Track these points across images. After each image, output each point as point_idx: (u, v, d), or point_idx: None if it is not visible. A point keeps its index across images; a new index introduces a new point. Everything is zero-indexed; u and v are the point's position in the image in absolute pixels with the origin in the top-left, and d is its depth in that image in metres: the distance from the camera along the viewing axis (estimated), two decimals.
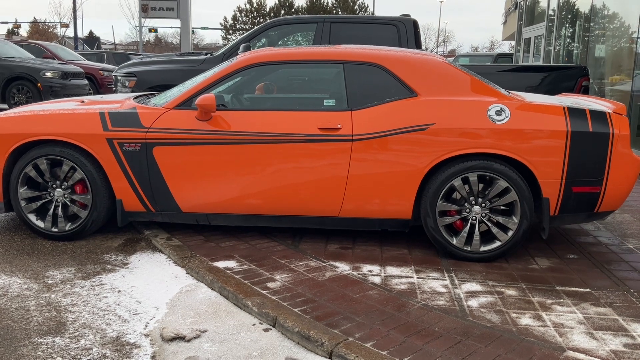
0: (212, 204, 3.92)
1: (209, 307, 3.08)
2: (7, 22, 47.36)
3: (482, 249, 3.70)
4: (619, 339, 2.73)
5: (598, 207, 3.74)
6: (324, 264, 3.61)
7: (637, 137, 7.98)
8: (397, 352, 2.54)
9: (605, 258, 3.88)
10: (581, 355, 2.56)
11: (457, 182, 3.66)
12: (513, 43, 22.02)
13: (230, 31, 55.45)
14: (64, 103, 4.44)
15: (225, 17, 64.52)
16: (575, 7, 12.21)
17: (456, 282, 3.39)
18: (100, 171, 3.93)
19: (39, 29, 51.80)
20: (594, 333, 2.78)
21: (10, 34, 43.91)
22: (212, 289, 3.30)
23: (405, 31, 6.98)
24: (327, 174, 3.75)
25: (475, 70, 4.80)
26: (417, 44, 7.07)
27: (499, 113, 3.65)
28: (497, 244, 3.70)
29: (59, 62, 13.26)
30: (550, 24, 13.45)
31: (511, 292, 3.26)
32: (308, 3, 54.07)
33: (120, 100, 4.33)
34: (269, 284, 3.26)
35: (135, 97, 4.52)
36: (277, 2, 54.21)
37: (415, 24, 7.10)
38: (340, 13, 52.56)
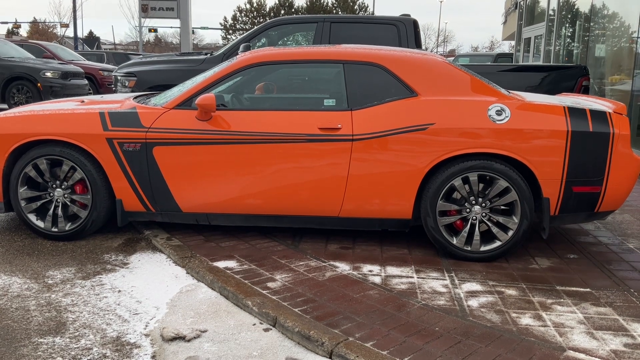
0: (212, 204, 3.92)
1: (209, 307, 3.08)
2: (7, 22, 47.39)
3: (482, 248, 3.70)
4: (619, 338, 2.73)
5: (598, 207, 3.74)
6: (324, 264, 3.61)
7: (637, 137, 7.98)
8: (398, 352, 2.54)
9: (605, 258, 3.88)
10: (581, 355, 2.56)
11: (457, 182, 3.66)
12: (513, 43, 22.03)
13: (230, 31, 55.43)
14: (63, 103, 4.44)
15: (225, 17, 64.62)
16: (575, 7, 12.21)
17: (456, 282, 3.39)
18: (100, 171, 3.93)
19: (39, 29, 51.81)
20: (594, 333, 2.78)
21: (10, 34, 43.90)
22: (212, 288, 3.30)
23: (405, 31, 6.98)
24: (327, 174, 3.75)
25: (475, 70, 4.80)
26: (417, 44, 7.06)
27: (499, 113, 3.65)
28: (498, 243, 3.70)
29: (59, 62, 13.25)
30: (550, 24, 13.45)
31: (511, 291, 3.26)
32: (308, 3, 54.04)
33: (120, 100, 4.33)
34: (269, 284, 3.26)
35: (135, 97, 4.52)
36: (277, 2, 54.19)
37: (415, 23, 7.10)
38: (340, 13, 52.55)
